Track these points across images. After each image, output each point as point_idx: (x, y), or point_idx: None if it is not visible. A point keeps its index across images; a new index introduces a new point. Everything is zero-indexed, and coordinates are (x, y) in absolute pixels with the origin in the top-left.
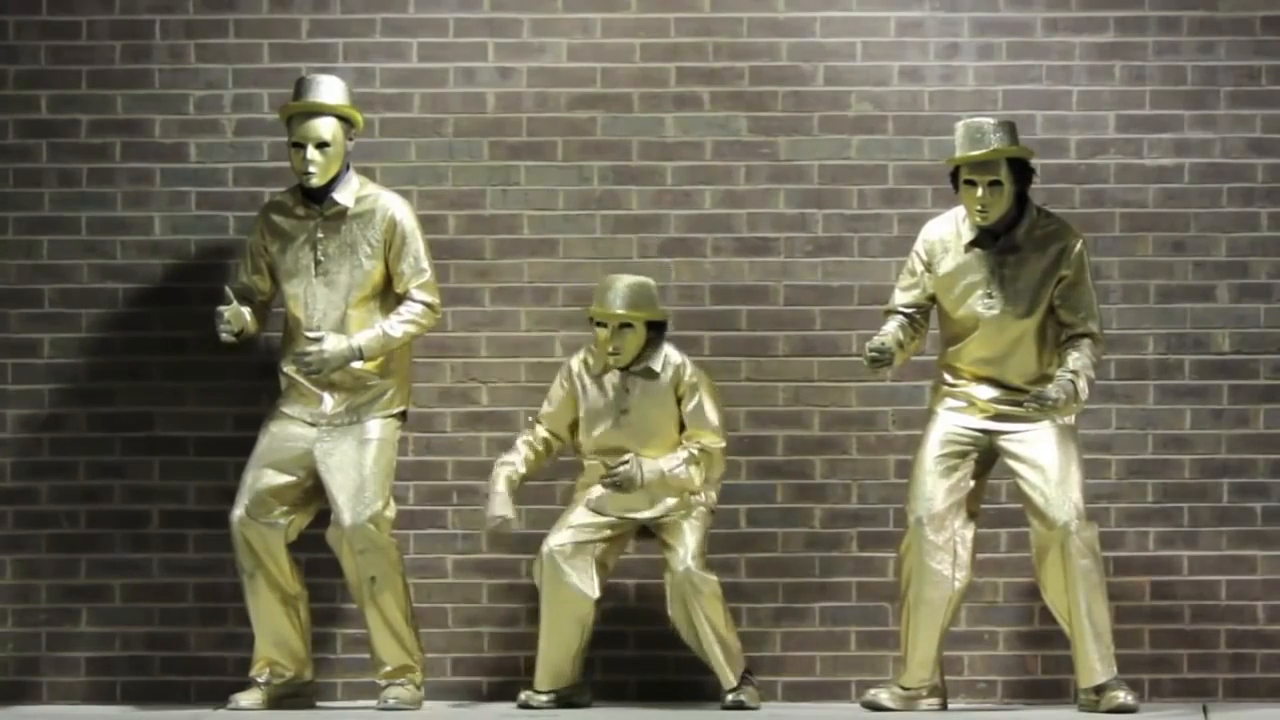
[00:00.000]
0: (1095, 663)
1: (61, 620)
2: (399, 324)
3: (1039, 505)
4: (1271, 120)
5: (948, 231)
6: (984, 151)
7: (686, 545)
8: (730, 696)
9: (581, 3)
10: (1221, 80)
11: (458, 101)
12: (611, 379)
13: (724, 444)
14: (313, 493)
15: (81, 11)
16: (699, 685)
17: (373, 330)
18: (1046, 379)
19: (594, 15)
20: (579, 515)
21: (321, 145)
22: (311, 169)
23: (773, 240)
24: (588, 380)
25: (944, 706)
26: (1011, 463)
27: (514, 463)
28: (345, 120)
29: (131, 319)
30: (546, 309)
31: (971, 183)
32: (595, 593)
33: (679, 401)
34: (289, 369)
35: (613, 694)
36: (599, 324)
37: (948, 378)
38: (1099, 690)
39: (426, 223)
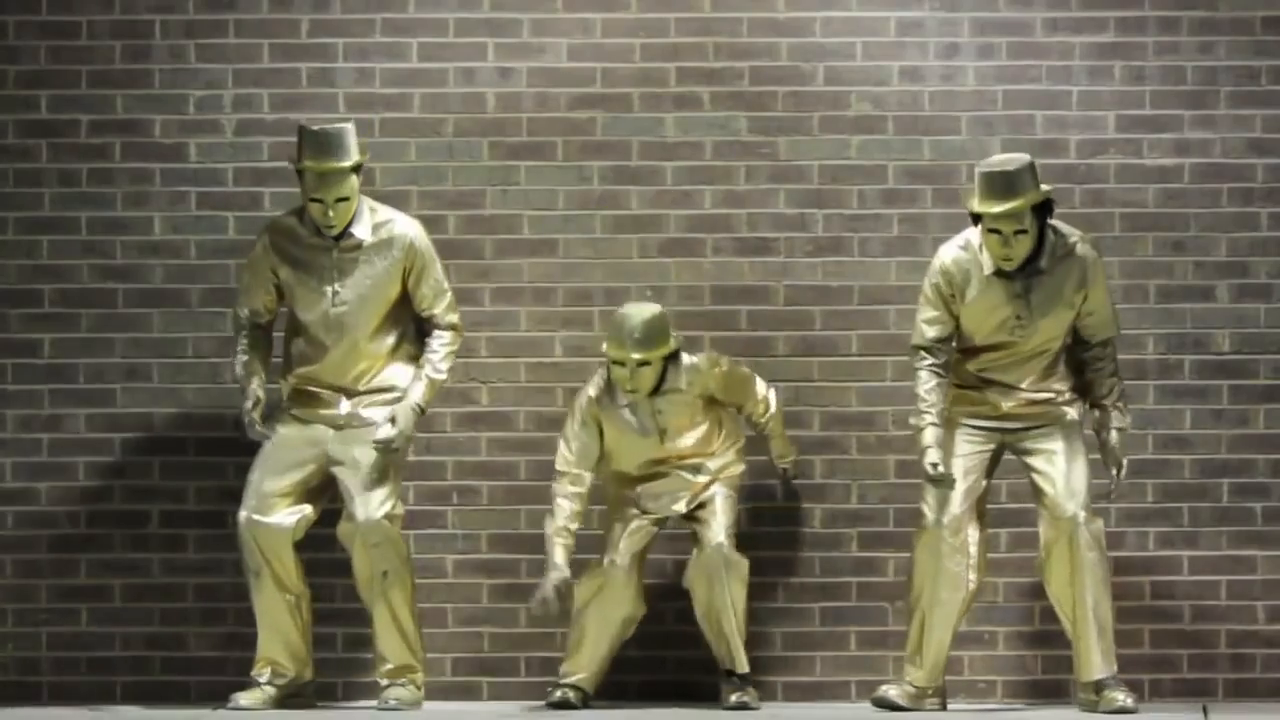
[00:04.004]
0: (1096, 657)
1: (61, 620)
2: (440, 362)
3: (1050, 496)
4: (1271, 120)
5: (966, 259)
6: (1011, 206)
7: (720, 522)
8: (733, 697)
9: (581, 3)
10: (1221, 80)
11: (458, 101)
12: (639, 405)
13: (771, 393)
14: (318, 491)
15: (81, 11)
16: (699, 685)
17: (421, 382)
18: (1057, 388)
19: (594, 15)
20: (625, 532)
21: (341, 200)
22: (334, 222)
23: (773, 240)
24: (610, 412)
25: (943, 706)
26: (1023, 458)
27: (567, 527)
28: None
29: (131, 319)
30: (546, 309)
31: (996, 231)
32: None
33: (710, 400)
34: (295, 381)
35: (613, 694)
36: (616, 362)
37: (954, 376)
38: (1099, 690)
39: (426, 223)
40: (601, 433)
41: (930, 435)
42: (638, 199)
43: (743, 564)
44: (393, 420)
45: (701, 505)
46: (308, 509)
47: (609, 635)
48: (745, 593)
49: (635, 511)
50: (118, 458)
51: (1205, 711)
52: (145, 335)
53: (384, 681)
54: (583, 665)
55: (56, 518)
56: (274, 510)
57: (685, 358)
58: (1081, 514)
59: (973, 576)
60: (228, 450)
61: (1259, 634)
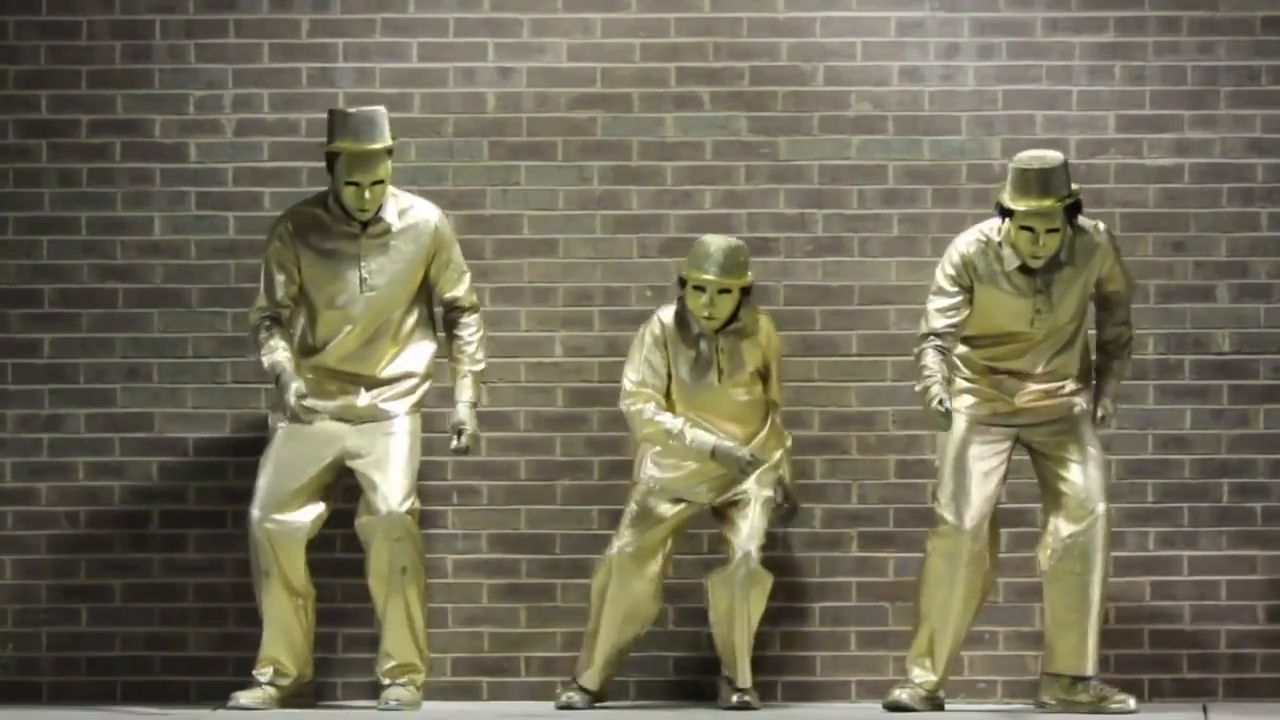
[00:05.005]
0: (1092, 651)
1: (61, 620)
2: (476, 353)
3: (1073, 497)
4: (1271, 120)
5: (984, 252)
6: (1046, 205)
7: (752, 529)
8: (734, 697)
9: (581, 3)
10: (1221, 80)
11: (458, 101)
12: (706, 339)
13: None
14: (332, 488)
15: (81, 11)
16: (699, 685)
17: (467, 379)
18: (1068, 372)
19: (594, 15)
20: (647, 511)
21: (377, 183)
22: (368, 206)
23: (773, 240)
24: (676, 341)
25: (940, 706)
26: (1038, 456)
27: (687, 419)
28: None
29: (131, 319)
30: (546, 309)
31: (1029, 229)
32: (659, 600)
33: (764, 363)
34: (310, 374)
35: (613, 694)
36: (696, 287)
37: (964, 370)
38: (1098, 695)
39: None
40: (670, 364)
41: (937, 387)
42: (638, 199)
43: (767, 579)
44: (460, 430)
45: (736, 503)
46: (321, 507)
47: (625, 634)
48: (763, 608)
49: (665, 503)
50: (118, 458)
51: (1205, 711)
52: (145, 335)
53: (385, 680)
54: (595, 665)
55: (56, 518)
56: (288, 509)
57: (759, 314)
58: (1101, 505)
59: (987, 581)
60: (228, 450)
61: (1259, 634)
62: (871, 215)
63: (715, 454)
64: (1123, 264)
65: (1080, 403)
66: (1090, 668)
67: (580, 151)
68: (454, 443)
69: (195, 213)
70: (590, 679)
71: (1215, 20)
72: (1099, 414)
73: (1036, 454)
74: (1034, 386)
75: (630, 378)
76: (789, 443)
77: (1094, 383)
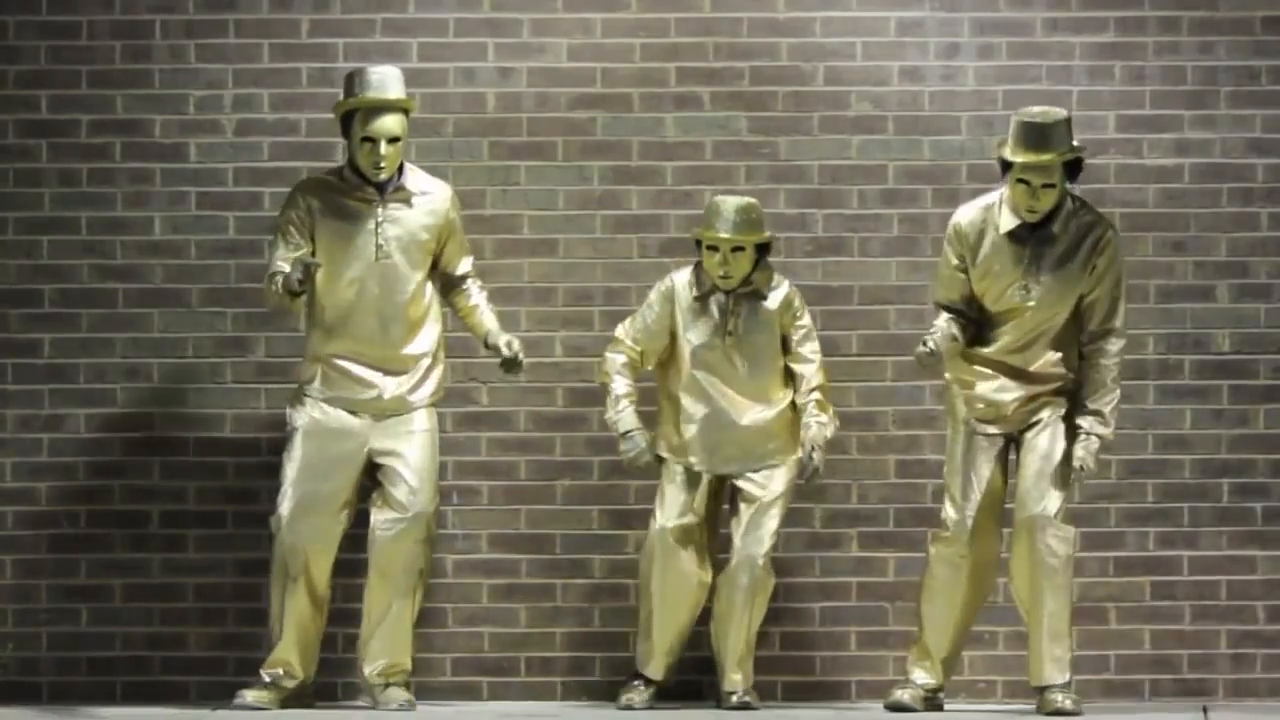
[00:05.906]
0: (1046, 662)
1: (61, 620)
2: (487, 302)
3: (1019, 493)
4: (1271, 120)
5: (981, 220)
6: (1043, 158)
7: (762, 531)
8: (734, 696)
9: (581, 3)
10: (1221, 80)
11: (458, 101)
12: (717, 300)
13: (828, 376)
14: (359, 489)
15: (81, 11)
16: (699, 685)
17: (491, 315)
18: (1062, 374)
19: (594, 15)
20: (679, 486)
21: (393, 140)
22: (384, 164)
23: (773, 240)
24: (687, 301)
25: (940, 707)
26: (1018, 446)
27: (629, 392)
28: (406, 112)
29: (131, 319)
30: (546, 309)
31: (1025, 182)
32: (709, 572)
33: (785, 331)
34: (326, 368)
35: (613, 694)
36: (709, 247)
37: (963, 372)
38: (1044, 694)
39: None
40: (672, 329)
41: (938, 334)
42: (638, 199)
43: (769, 583)
44: (509, 344)
45: (748, 498)
46: (349, 512)
47: (679, 616)
48: (764, 613)
49: (687, 468)
50: (118, 458)
51: (1205, 711)
52: (145, 335)
53: (378, 680)
54: (655, 654)
55: (56, 518)
56: (321, 512)
57: (777, 274)
58: (1043, 515)
59: (993, 579)
60: (228, 450)
61: (1259, 634)
62: (871, 215)
63: (622, 438)
64: (1116, 290)
65: (1065, 404)
66: (1039, 678)
67: (580, 151)
68: (505, 351)
69: (195, 213)
70: (654, 669)
71: (1215, 20)
72: (1076, 466)
73: (1016, 446)
74: (1025, 391)
75: (623, 327)
76: (830, 409)
77: (1076, 439)
